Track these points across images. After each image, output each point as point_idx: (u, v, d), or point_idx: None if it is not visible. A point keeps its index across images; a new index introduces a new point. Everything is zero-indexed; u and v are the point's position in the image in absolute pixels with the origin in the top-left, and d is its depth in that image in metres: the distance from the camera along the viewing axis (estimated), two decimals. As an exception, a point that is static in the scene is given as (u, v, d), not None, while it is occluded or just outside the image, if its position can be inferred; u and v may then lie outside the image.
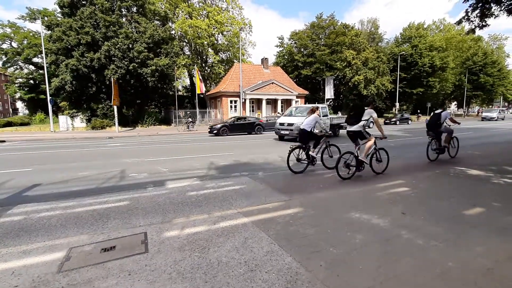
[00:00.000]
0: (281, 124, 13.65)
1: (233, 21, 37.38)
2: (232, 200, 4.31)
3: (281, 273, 2.33)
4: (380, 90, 37.90)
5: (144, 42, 23.87)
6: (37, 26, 37.94)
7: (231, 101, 30.65)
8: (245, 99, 29.77)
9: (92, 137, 17.52)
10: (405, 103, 47.53)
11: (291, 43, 42.90)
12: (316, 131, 6.61)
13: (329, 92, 32.60)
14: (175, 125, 27.72)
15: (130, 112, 27.12)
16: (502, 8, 9.63)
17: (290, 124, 12.93)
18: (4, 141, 15.34)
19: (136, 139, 16.44)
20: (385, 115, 31.93)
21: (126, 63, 23.03)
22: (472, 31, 10.66)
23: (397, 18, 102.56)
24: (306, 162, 6.40)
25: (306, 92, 35.30)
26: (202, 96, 34.15)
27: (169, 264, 2.49)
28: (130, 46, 23.54)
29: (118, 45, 22.75)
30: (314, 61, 38.52)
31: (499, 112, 38.59)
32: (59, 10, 25.21)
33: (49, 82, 22.62)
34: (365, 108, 5.79)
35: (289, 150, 6.25)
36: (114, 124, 21.95)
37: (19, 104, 64.02)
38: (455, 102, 57.07)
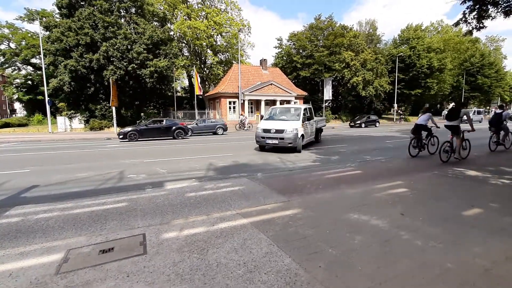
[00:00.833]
0: (266, 130, 9.99)
1: (232, 22, 37.45)
2: (231, 201, 4.30)
3: (280, 274, 2.33)
4: (378, 91, 37.98)
5: (143, 43, 23.84)
6: (36, 27, 37.71)
7: (230, 102, 30.66)
8: (244, 100, 29.79)
9: (91, 138, 17.47)
10: (404, 104, 47.67)
11: (290, 44, 42.95)
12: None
13: (327, 93, 32.67)
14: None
15: (129, 113, 27.06)
16: (499, 10, 9.71)
17: (279, 131, 9.69)
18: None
19: (134, 140, 16.36)
20: (357, 117, 30.57)
21: (125, 64, 22.99)
22: (470, 32, 10.73)
23: (395, 20, 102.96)
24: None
25: (305, 93, 35.36)
26: (201, 97, 34.15)
27: (167, 266, 2.48)
28: (129, 47, 23.51)
29: (116, 46, 22.71)
30: (312, 62, 38.58)
31: (474, 114, 33.17)
32: (57, 11, 25.13)
33: (47, 83, 22.54)
34: (461, 109, 7.61)
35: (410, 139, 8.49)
36: (113, 125, 21.89)
37: (17, 105, 63.76)
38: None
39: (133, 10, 26.56)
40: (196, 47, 36.52)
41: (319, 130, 13.15)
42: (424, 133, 8.41)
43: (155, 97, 29.17)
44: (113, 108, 21.11)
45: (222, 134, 19.84)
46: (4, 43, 38.47)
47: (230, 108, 30.69)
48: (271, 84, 31.54)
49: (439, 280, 2.23)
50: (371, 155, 9.20)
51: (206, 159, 8.59)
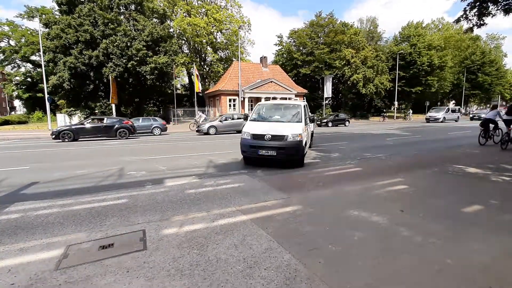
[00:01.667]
0: (257, 137, 6.70)
1: (232, 19, 37.31)
2: (231, 198, 4.30)
3: (280, 270, 2.33)
4: (379, 89, 37.93)
5: (142, 40, 23.76)
6: (35, 24, 37.67)
7: (230, 100, 30.61)
8: (244, 98, 29.74)
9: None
10: (404, 101, 47.62)
11: (290, 41, 42.79)
12: None
13: (327, 91, 32.60)
14: (173, 123, 27.66)
15: (128, 110, 27.06)
16: (498, 8, 9.72)
17: (278, 138, 6.55)
18: None
19: (133, 137, 16.36)
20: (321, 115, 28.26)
21: (124, 61, 22.93)
22: (470, 29, 10.71)
23: (396, 17, 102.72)
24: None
25: (305, 91, 35.28)
26: (201, 94, 34.10)
27: (167, 261, 2.48)
28: (129, 44, 23.43)
29: (116, 43, 22.64)
30: (313, 59, 38.46)
31: (448, 112, 30.70)
32: (57, 7, 25.07)
33: (47, 80, 22.48)
34: None
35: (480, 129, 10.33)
36: (113, 122, 21.84)
37: (17, 103, 63.68)
38: (453, 101, 57.23)
39: (132, 7, 26.46)
40: (196, 44, 36.42)
41: (311, 133, 10.43)
42: (491, 126, 10.23)
43: (155, 95, 29.11)
44: (113, 106, 21.12)
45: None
46: (4, 40, 38.34)
47: (230, 105, 30.64)
48: (271, 81, 31.45)
49: (439, 276, 2.23)
50: (371, 153, 9.19)
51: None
